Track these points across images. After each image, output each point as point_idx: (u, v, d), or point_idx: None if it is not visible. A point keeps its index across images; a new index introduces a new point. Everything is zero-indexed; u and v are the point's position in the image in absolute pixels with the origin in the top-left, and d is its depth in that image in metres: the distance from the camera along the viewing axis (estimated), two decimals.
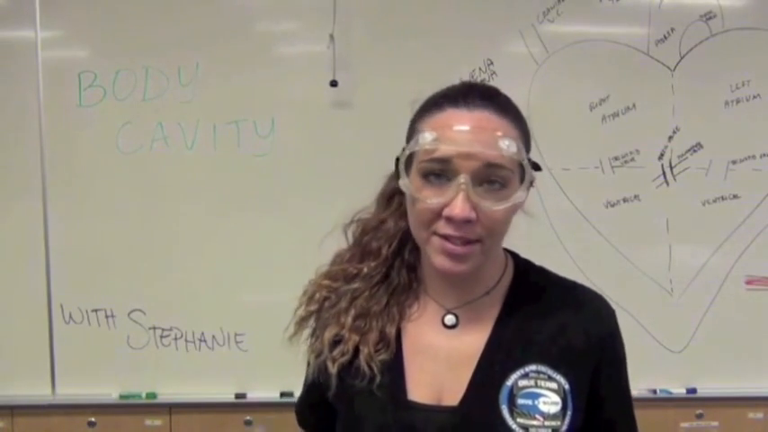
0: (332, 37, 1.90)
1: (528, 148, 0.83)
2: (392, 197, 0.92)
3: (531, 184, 0.82)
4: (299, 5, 1.94)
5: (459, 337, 0.86)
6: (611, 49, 1.99)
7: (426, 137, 0.78)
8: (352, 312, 0.88)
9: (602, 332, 0.87)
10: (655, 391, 2.03)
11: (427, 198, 0.78)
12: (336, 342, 0.88)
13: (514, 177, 0.79)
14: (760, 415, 2.08)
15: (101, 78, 1.92)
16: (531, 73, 1.97)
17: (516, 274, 0.90)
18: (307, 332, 0.93)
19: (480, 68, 1.96)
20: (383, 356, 0.85)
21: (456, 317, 0.87)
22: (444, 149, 0.77)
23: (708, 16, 1.99)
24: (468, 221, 0.76)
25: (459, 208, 0.76)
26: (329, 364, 0.87)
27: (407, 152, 0.81)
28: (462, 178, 0.76)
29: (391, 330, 0.87)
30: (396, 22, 1.95)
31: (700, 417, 2.07)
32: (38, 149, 1.92)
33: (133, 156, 1.93)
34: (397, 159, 0.83)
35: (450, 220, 0.77)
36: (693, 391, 2.05)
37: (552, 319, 0.86)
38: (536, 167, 0.82)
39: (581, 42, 1.98)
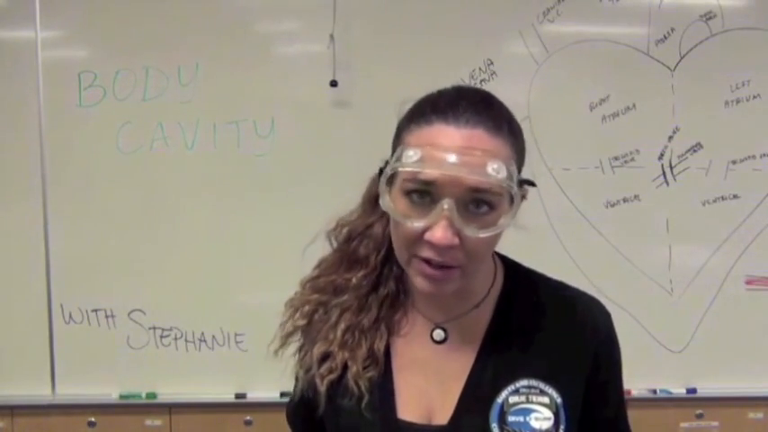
0: (332, 37, 1.90)
1: (521, 164, 0.79)
2: (378, 200, 0.87)
3: (524, 197, 0.78)
4: (299, 5, 1.94)
5: (449, 353, 0.84)
6: (611, 49, 1.99)
7: (411, 155, 0.73)
8: (342, 326, 0.86)
9: (598, 337, 0.84)
10: (655, 391, 2.03)
11: (408, 220, 0.74)
12: (325, 358, 0.86)
13: (503, 200, 0.74)
14: (760, 415, 2.08)
15: (101, 78, 1.92)
16: (531, 73, 1.97)
17: (506, 284, 0.87)
18: (294, 345, 0.91)
19: (480, 68, 1.96)
20: (371, 374, 0.83)
21: (445, 331, 0.85)
22: (428, 172, 0.72)
23: (708, 16, 1.99)
24: (450, 248, 0.73)
25: (440, 234, 0.71)
26: (318, 381, 0.85)
27: (389, 171, 0.76)
28: (446, 204, 0.71)
29: (380, 346, 0.85)
30: (396, 22, 1.95)
31: (700, 417, 2.07)
32: (38, 149, 1.92)
33: (133, 156, 1.93)
34: (381, 172, 0.79)
35: (431, 244, 0.73)
36: (693, 391, 2.05)
37: (544, 330, 0.83)
38: (529, 183, 0.78)
39: (581, 42, 1.98)
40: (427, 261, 0.75)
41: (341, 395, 0.84)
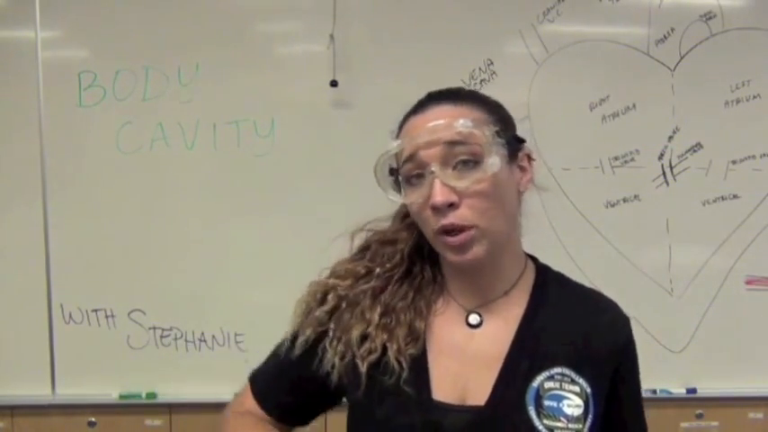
0: (332, 37, 1.90)
1: (507, 127, 0.85)
2: (407, 215, 0.93)
3: (530, 158, 0.86)
4: (299, 5, 1.94)
5: (483, 337, 0.86)
6: (611, 49, 1.99)
7: (392, 144, 0.83)
8: (378, 309, 0.88)
9: (622, 339, 0.88)
10: (655, 391, 2.03)
11: (412, 199, 0.82)
12: (363, 340, 0.87)
13: (486, 152, 0.80)
14: (760, 415, 2.08)
15: (101, 78, 1.92)
16: (531, 73, 1.97)
17: (537, 278, 0.90)
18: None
19: (480, 68, 1.96)
20: (411, 350, 0.85)
21: (480, 316, 0.87)
22: (408, 147, 0.81)
23: (708, 16, 1.99)
24: (450, 205, 0.78)
25: (437, 195, 0.78)
26: (359, 362, 0.86)
27: (381, 166, 0.85)
28: (432, 167, 0.79)
29: (420, 325, 0.87)
30: (396, 22, 1.95)
31: (700, 417, 2.07)
32: (38, 149, 1.92)
33: (133, 156, 1.93)
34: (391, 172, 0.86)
35: (436, 209, 0.79)
36: (693, 391, 2.05)
37: (575, 324, 0.87)
38: (519, 140, 0.84)
39: (581, 42, 1.98)
40: (446, 232, 0.80)
41: (381, 374, 0.85)
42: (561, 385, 0.83)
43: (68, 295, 1.95)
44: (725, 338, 2.03)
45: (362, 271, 0.91)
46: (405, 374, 0.83)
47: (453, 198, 0.78)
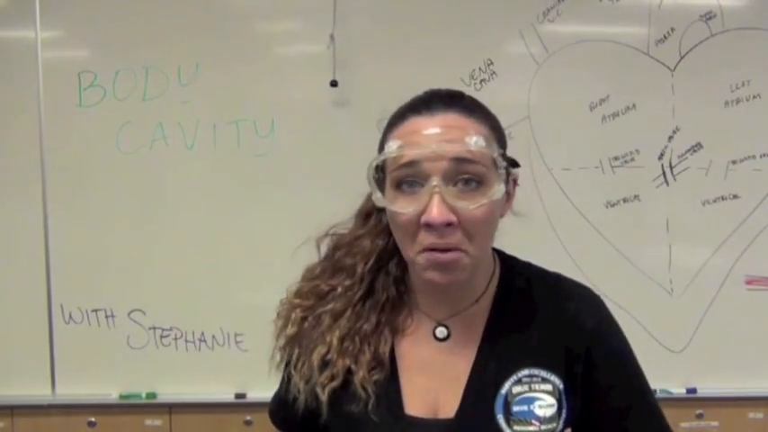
0: (332, 37, 1.91)
1: (503, 146, 0.81)
2: (369, 215, 0.90)
3: (516, 182, 0.82)
4: (299, 5, 1.94)
5: (452, 349, 0.85)
6: (611, 49, 1.99)
7: (391, 145, 0.77)
8: (337, 333, 0.85)
9: (589, 324, 0.84)
10: (655, 392, 2.02)
11: (402, 208, 0.75)
12: (324, 365, 0.85)
13: (490, 174, 0.76)
14: (760, 415, 2.08)
15: (101, 78, 1.92)
16: (531, 73, 1.97)
17: (502, 277, 0.88)
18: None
19: (480, 68, 1.96)
20: (377, 377, 0.83)
21: (447, 328, 0.85)
22: (411, 154, 0.75)
23: (708, 16, 1.99)
24: (448, 224, 0.73)
25: (435, 212, 0.72)
26: (319, 390, 0.84)
27: (374, 164, 0.79)
28: (434, 181, 0.73)
29: (385, 350, 0.84)
30: (396, 21, 1.95)
31: (700, 417, 2.06)
32: (38, 150, 1.92)
33: (133, 156, 1.93)
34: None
35: (429, 226, 0.73)
36: (693, 391, 2.04)
37: (540, 320, 0.84)
38: (513, 164, 0.80)
39: (581, 42, 1.98)
40: (432, 250, 0.75)
41: (347, 402, 0.83)
42: (531, 387, 0.81)
43: (68, 295, 1.95)
44: (725, 338, 2.03)
45: (325, 289, 0.89)
46: (372, 401, 0.81)
47: (452, 218, 0.73)
